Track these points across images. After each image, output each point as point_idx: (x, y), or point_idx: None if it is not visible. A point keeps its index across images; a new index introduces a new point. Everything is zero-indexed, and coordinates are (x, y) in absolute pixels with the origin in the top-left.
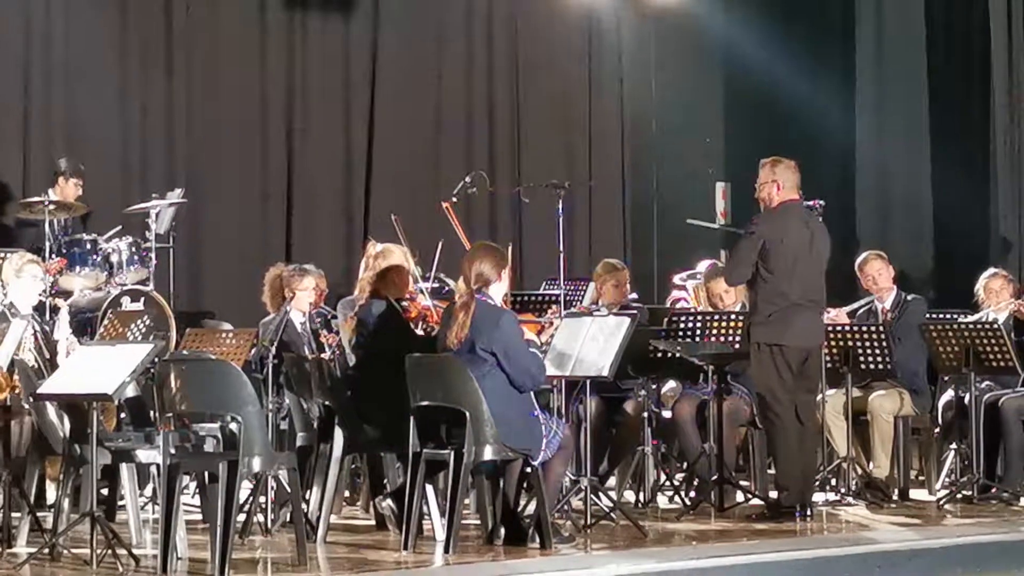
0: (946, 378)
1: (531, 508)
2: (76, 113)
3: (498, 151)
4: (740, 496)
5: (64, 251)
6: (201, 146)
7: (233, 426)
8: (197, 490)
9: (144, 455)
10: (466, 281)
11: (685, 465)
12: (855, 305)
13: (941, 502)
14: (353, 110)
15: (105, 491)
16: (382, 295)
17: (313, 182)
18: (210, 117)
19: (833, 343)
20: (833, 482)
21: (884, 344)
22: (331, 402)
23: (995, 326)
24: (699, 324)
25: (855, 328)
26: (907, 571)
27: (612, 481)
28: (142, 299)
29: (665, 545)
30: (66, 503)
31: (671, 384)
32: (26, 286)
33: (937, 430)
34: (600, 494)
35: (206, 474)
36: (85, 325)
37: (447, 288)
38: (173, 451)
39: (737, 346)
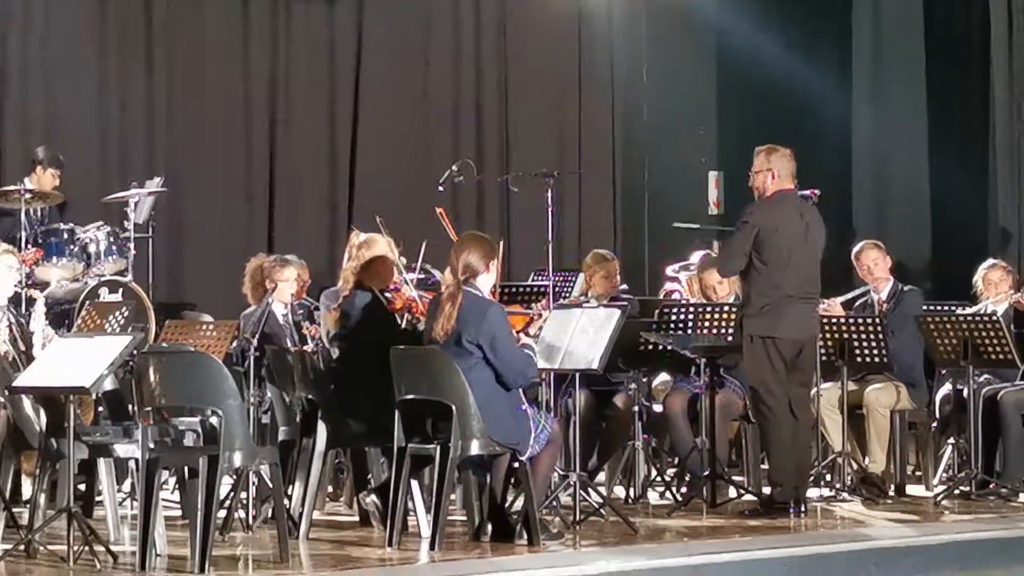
0: (944, 371)
1: (519, 504)
2: (54, 103)
3: (486, 139)
4: (733, 492)
5: (40, 241)
6: (182, 135)
7: (214, 420)
8: (177, 485)
9: (122, 449)
10: (453, 272)
11: (676, 460)
12: (850, 295)
13: (938, 498)
14: (337, 99)
15: (82, 486)
16: (366, 286)
17: (296, 171)
18: (191, 106)
19: (828, 335)
20: (828, 477)
21: (880, 336)
22: (314, 395)
23: (994, 318)
24: (691, 316)
25: (851, 320)
26: (903, 568)
27: (602, 476)
28: (120, 290)
29: (656, 542)
30: (42, 499)
31: (662, 377)
32: (1, 277)
33: (934, 424)
34: (590, 489)
35: (186, 469)
36: (62, 316)
37: (433, 279)
38: (152, 445)
39: (730, 338)
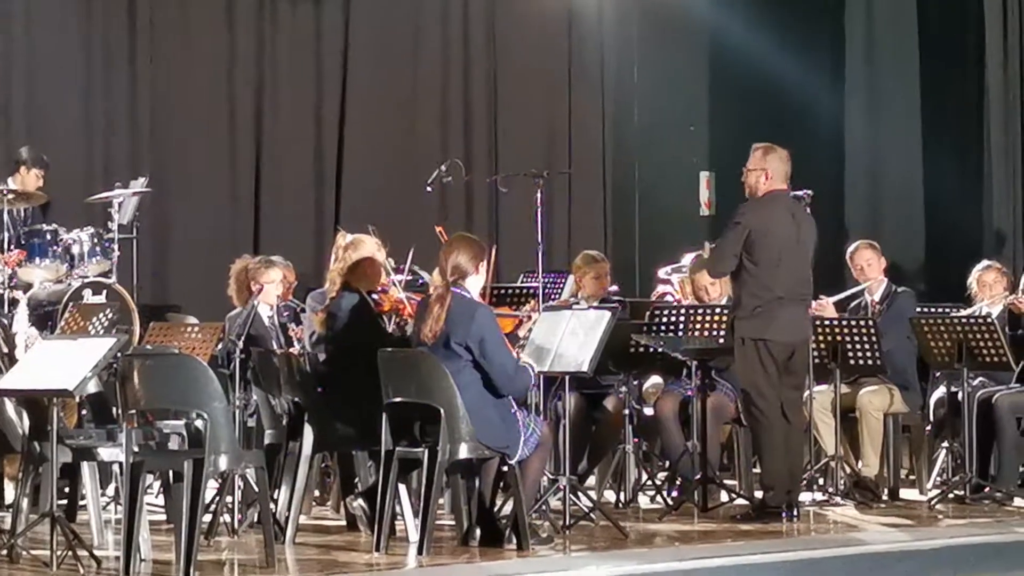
0: (937, 374)
1: (508, 508)
2: (38, 103)
3: (474, 139)
4: (724, 496)
5: (23, 242)
6: (167, 135)
7: (199, 423)
8: (161, 489)
9: (106, 453)
10: (442, 273)
11: (667, 464)
12: (844, 294)
13: (932, 502)
14: (324, 98)
15: (66, 490)
16: (353, 287)
17: (282, 172)
18: (176, 105)
19: (821, 337)
20: (821, 481)
21: (873, 339)
22: (300, 398)
23: (988, 320)
24: (682, 318)
25: (843, 322)
26: (897, 573)
27: (592, 480)
28: (104, 292)
29: (646, 546)
30: (25, 503)
31: (653, 380)
32: None
33: (928, 427)
34: (579, 494)
35: (171, 473)
36: (45, 318)
37: (421, 281)
38: (136, 449)
39: (721, 341)
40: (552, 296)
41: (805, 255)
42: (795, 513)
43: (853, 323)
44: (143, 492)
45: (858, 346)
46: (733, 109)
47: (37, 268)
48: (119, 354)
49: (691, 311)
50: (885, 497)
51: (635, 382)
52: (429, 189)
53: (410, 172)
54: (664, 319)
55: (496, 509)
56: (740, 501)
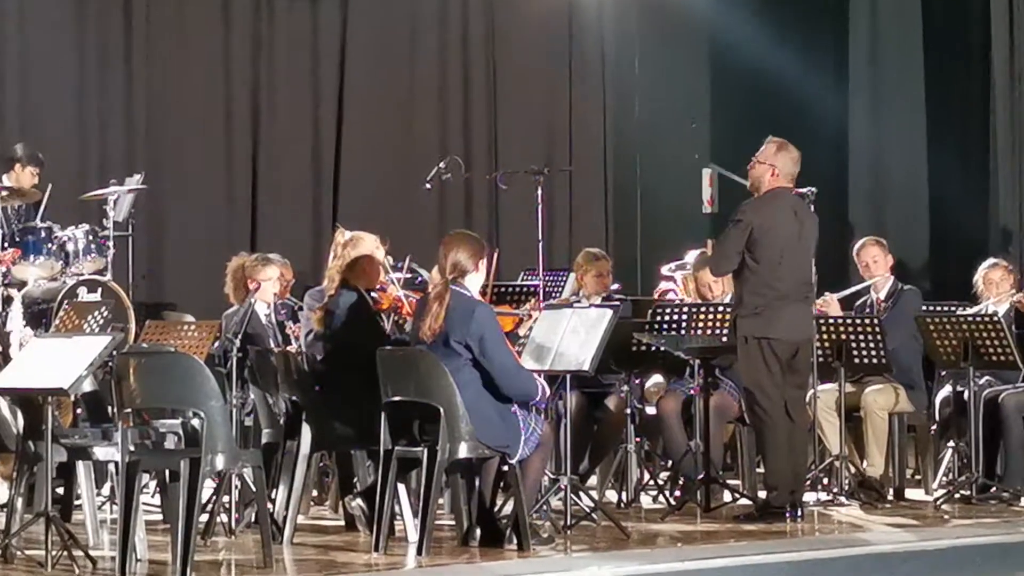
0: (943, 373)
1: (508, 508)
2: (33, 100)
3: (474, 135)
4: (727, 496)
5: (18, 239)
6: (163, 132)
7: (195, 422)
8: (157, 489)
9: (102, 452)
10: (441, 271)
11: (670, 463)
12: (849, 290)
13: (938, 502)
14: (322, 95)
15: (61, 490)
16: (352, 285)
17: (279, 168)
18: (172, 102)
19: (825, 336)
20: (825, 481)
21: (878, 337)
22: (298, 397)
23: (995, 319)
24: (684, 316)
25: (848, 320)
26: (902, 574)
27: (593, 480)
28: (99, 289)
29: (649, 547)
30: (19, 503)
31: (655, 379)
32: None
33: (934, 427)
34: (581, 493)
35: (167, 472)
36: (40, 316)
37: (420, 278)
38: (132, 448)
39: (724, 339)
40: (553, 294)
41: (808, 253)
42: (799, 513)
43: (858, 322)
44: (139, 492)
45: (863, 345)
46: (735, 105)
47: (32, 266)
48: (114, 352)
49: (694, 309)
50: (890, 497)
51: (637, 381)
52: (428, 187)
53: (409, 169)
54: (666, 317)
55: (496, 509)
56: (743, 501)
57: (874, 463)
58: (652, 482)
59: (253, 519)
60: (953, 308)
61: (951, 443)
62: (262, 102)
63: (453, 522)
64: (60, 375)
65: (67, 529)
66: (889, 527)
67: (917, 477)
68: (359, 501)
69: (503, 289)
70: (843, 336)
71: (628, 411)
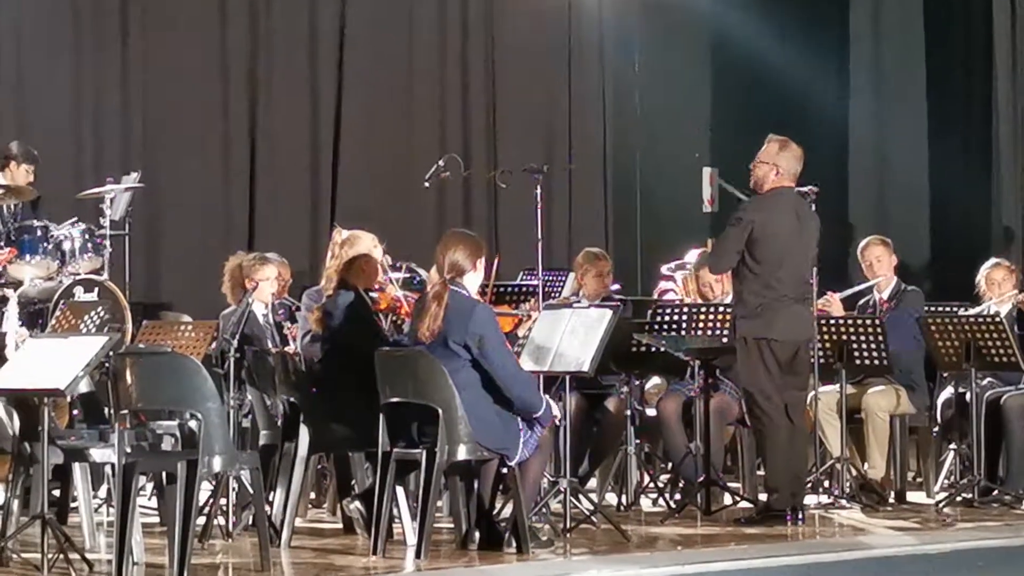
0: (945, 374)
1: (507, 511)
2: (27, 97)
3: (472, 133)
4: (728, 498)
5: (13, 238)
6: (159, 129)
7: (192, 424)
8: (154, 491)
9: (98, 454)
10: (439, 270)
11: (670, 466)
12: (852, 290)
13: (940, 505)
14: (320, 92)
15: (57, 492)
16: (350, 285)
17: (277, 167)
18: (169, 99)
19: (827, 337)
20: (826, 484)
21: (880, 338)
22: (296, 398)
23: (997, 319)
24: (685, 317)
25: (850, 321)
26: None
27: (593, 483)
28: (96, 289)
29: (648, 550)
30: (15, 505)
31: (655, 380)
32: None
33: (936, 429)
34: (580, 496)
35: (164, 474)
36: (36, 316)
37: (418, 278)
38: (129, 450)
39: (725, 340)
40: (552, 294)
41: (807, 253)
42: (800, 516)
43: (859, 322)
44: (136, 494)
45: (864, 346)
46: (735, 103)
47: (27, 265)
48: (111, 353)
49: (694, 309)
50: (892, 500)
51: (637, 382)
52: (427, 185)
53: (407, 168)
54: (667, 318)
55: (495, 512)
56: (744, 504)
57: (875, 465)
58: (652, 484)
59: (250, 522)
60: (955, 309)
61: (953, 445)
62: (259, 99)
63: (452, 525)
64: (56, 376)
65: (63, 532)
66: (890, 530)
67: (919, 480)
68: (357, 504)
69: (502, 289)
70: (844, 337)
71: (628, 413)
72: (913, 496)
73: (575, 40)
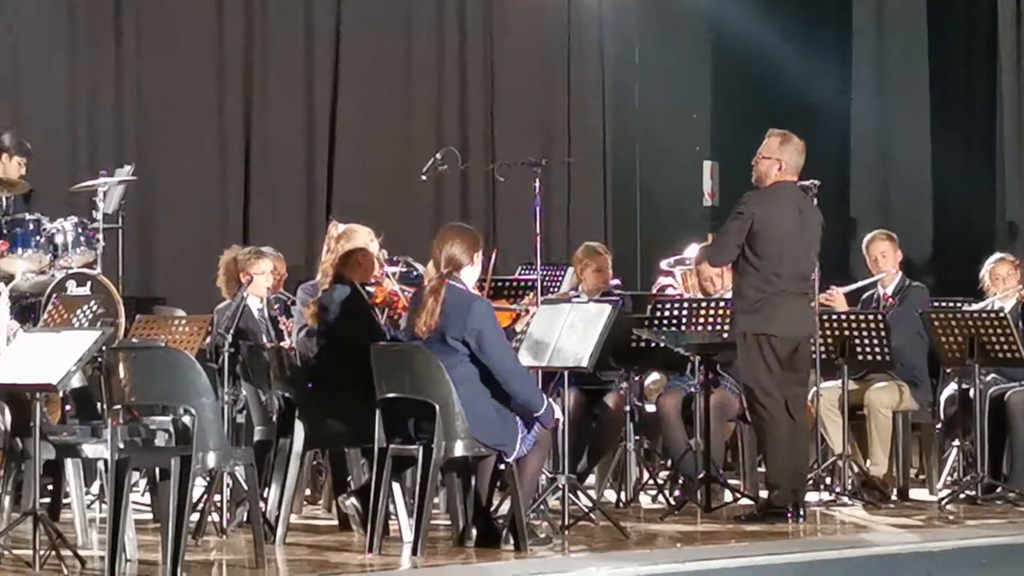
0: (948, 370)
1: (505, 508)
2: (20, 89)
3: (470, 126)
4: (728, 495)
5: (5, 232)
6: (153, 122)
7: (186, 419)
8: (147, 487)
9: (91, 450)
10: (436, 265)
11: (670, 462)
12: (856, 285)
13: (943, 502)
14: (316, 84)
15: (49, 488)
16: (346, 279)
17: (273, 160)
18: (163, 92)
19: (829, 332)
20: (828, 481)
21: (883, 334)
22: (291, 394)
23: (1001, 315)
24: (685, 312)
25: (852, 316)
26: (907, 575)
27: (592, 479)
28: (89, 283)
29: (648, 547)
30: (6, 501)
31: (655, 376)
32: None
33: (939, 426)
34: (579, 493)
35: (157, 470)
36: (28, 310)
37: (415, 272)
38: (122, 445)
39: (725, 335)
40: (551, 289)
41: (808, 248)
42: (801, 513)
43: (862, 317)
44: (129, 490)
45: (867, 341)
46: (736, 97)
47: (19, 259)
48: (104, 347)
49: (694, 304)
50: (894, 497)
51: (636, 378)
52: (424, 178)
53: (404, 161)
54: (666, 313)
55: (493, 509)
56: (744, 501)
57: (878, 462)
58: (651, 481)
59: (245, 518)
60: (958, 304)
61: (956, 442)
62: (255, 91)
63: (449, 522)
64: (49, 371)
65: (55, 528)
66: (893, 527)
67: (921, 476)
68: (353, 500)
69: (500, 283)
70: (847, 332)
71: (627, 409)
72: (916, 493)
73: (574, 34)
